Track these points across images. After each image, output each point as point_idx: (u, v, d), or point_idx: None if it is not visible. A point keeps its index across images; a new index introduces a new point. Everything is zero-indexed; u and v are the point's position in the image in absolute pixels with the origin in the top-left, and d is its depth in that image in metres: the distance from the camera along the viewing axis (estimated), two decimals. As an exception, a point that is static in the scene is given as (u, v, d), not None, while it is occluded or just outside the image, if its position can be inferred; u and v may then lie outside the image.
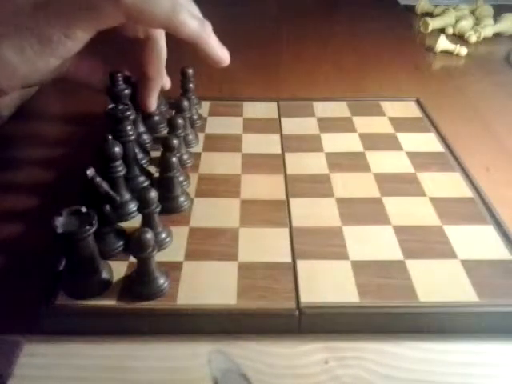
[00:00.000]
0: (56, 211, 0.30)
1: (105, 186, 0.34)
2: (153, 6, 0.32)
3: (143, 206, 0.33)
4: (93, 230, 0.29)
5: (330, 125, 0.51)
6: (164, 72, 0.43)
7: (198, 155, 0.45)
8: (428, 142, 0.48)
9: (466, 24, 0.80)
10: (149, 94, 0.42)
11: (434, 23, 0.82)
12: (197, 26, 0.34)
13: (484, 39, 0.79)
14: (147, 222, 0.34)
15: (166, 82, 0.44)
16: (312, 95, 0.58)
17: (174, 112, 0.44)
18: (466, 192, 0.41)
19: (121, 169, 0.36)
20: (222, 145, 0.47)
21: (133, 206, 0.37)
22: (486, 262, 0.34)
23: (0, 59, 0.30)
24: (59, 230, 0.29)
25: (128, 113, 0.38)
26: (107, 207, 0.34)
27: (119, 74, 0.42)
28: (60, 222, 0.29)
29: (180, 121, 0.41)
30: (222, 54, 0.38)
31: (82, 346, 0.30)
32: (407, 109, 0.54)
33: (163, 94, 0.52)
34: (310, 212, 0.39)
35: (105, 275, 0.32)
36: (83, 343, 0.30)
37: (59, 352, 0.29)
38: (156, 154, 0.43)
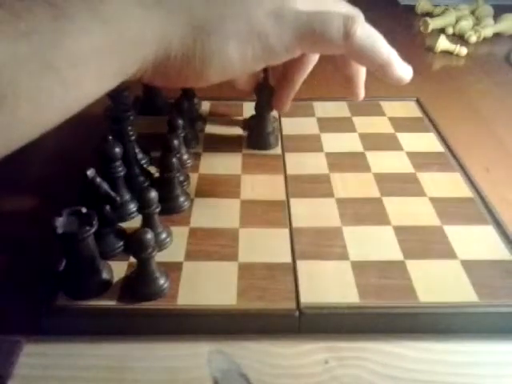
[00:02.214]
0: (56, 211, 0.30)
1: (105, 186, 0.34)
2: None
3: (143, 206, 0.33)
4: (93, 230, 0.29)
5: (329, 125, 0.50)
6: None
7: (198, 155, 0.45)
8: (428, 142, 0.48)
9: (466, 24, 0.80)
10: (287, 95, 0.43)
11: (434, 23, 0.82)
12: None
13: (484, 39, 0.79)
14: (147, 223, 0.34)
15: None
16: (312, 95, 0.58)
17: (173, 112, 0.44)
18: (466, 192, 0.41)
19: (121, 169, 0.36)
20: (222, 145, 0.47)
21: (133, 207, 0.37)
22: (485, 262, 0.34)
23: (225, 55, 0.30)
24: (59, 231, 0.29)
25: (128, 113, 0.38)
26: (107, 207, 0.34)
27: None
28: (60, 222, 0.29)
29: (180, 121, 0.41)
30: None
31: (82, 345, 0.30)
32: (407, 109, 0.54)
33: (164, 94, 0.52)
34: (310, 212, 0.39)
35: (105, 275, 0.32)
36: (83, 343, 0.30)
37: (59, 352, 0.29)
38: (156, 153, 0.43)
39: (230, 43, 0.30)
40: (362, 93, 0.41)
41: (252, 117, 0.49)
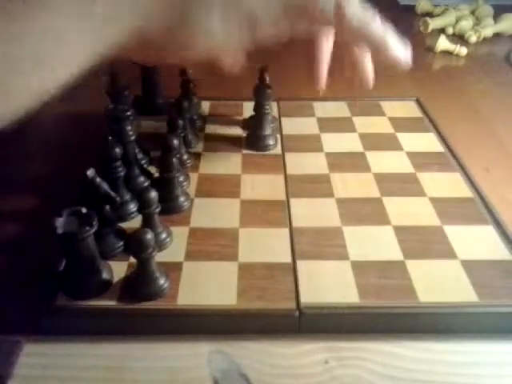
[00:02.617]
0: (56, 211, 0.30)
1: (105, 186, 0.34)
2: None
3: (143, 206, 0.33)
4: (93, 230, 0.29)
5: (329, 125, 0.50)
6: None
7: (197, 155, 0.45)
8: (428, 142, 0.48)
9: (466, 24, 0.80)
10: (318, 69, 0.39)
11: (434, 23, 0.82)
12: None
13: (484, 39, 0.79)
14: (147, 223, 0.34)
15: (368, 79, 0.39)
16: (312, 95, 0.58)
17: (173, 112, 0.44)
18: (466, 192, 0.41)
19: (121, 169, 0.36)
20: (222, 145, 0.47)
21: (133, 207, 0.37)
22: (485, 262, 0.34)
23: (209, 23, 0.30)
24: (59, 231, 0.29)
25: (128, 113, 0.38)
26: (107, 208, 0.34)
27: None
28: (60, 222, 0.29)
29: (180, 121, 0.41)
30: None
31: (82, 345, 0.30)
32: (407, 109, 0.54)
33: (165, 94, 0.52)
34: (310, 212, 0.39)
35: (105, 275, 0.32)
36: (83, 343, 0.30)
37: (59, 352, 0.29)
38: (156, 153, 0.43)
39: (214, 11, 0.29)
40: (370, 80, 0.39)
41: (251, 117, 0.49)
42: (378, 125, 0.51)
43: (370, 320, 0.31)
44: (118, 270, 0.33)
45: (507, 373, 0.29)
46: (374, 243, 0.36)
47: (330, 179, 0.42)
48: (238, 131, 0.49)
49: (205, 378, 0.28)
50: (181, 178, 0.40)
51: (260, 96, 0.45)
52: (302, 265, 0.34)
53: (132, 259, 0.33)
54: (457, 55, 0.74)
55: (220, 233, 0.36)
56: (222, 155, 0.46)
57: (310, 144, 0.47)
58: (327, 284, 0.32)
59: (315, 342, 0.30)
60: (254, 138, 0.47)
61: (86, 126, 0.53)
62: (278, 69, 0.68)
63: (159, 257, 0.32)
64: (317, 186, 0.42)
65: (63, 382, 0.28)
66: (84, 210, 0.30)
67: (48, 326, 0.30)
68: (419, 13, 0.90)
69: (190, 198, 0.40)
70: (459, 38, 0.80)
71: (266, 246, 0.35)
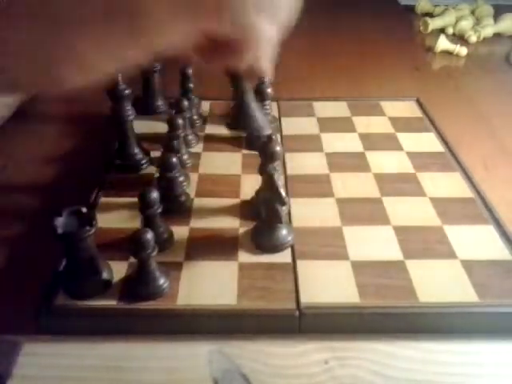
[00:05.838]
0: (56, 211, 0.30)
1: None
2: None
3: (145, 207, 0.33)
4: (93, 230, 0.29)
5: (329, 125, 0.50)
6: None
7: (197, 155, 0.45)
8: (428, 142, 0.48)
9: (466, 24, 0.80)
10: None
11: (434, 23, 0.82)
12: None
13: (484, 39, 0.79)
14: (148, 223, 0.34)
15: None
16: (312, 95, 0.58)
17: (173, 112, 0.44)
18: (466, 192, 0.41)
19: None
20: (221, 145, 0.47)
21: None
22: (486, 262, 0.34)
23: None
24: (59, 231, 0.29)
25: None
26: None
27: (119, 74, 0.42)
28: (60, 222, 0.29)
29: (180, 121, 0.41)
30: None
31: (81, 345, 0.30)
32: (407, 109, 0.54)
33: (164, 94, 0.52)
34: (310, 212, 0.39)
35: (105, 275, 0.32)
36: (83, 343, 0.30)
37: (58, 352, 0.29)
38: (156, 154, 0.43)
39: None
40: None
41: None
42: (378, 125, 0.51)
43: (370, 320, 0.31)
44: (118, 270, 0.33)
45: (507, 373, 0.29)
46: (374, 243, 0.36)
47: (329, 179, 0.42)
48: (237, 131, 0.49)
49: (205, 378, 0.28)
50: (181, 178, 0.40)
51: (259, 96, 0.45)
52: (301, 265, 0.34)
53: (132, 259, 0.33)
54: (457, 55, 0.74)
55: (220, 233, 0.36)
56: (222, 155, 0.46)
57: (310, 144, 0.47)
58: (327, 284, 0.32)
59: (315, 341, 0.30)
60: (254, 138, 0.47)
61: (86, 126, 0.53)
62: (277, 69, 0.68)
63: (159, 257, 0.32)
64: (317, 186, 0.42)
65: (63, 382, 0.28)
66: (84, 210, 0.30)
67: (48, 326, 0.30)
68: (419, 13, 0.90)
69: (190, 197, 0.40)
70: (459, 38, 0.80)
71: (266, 245, 0.35)
